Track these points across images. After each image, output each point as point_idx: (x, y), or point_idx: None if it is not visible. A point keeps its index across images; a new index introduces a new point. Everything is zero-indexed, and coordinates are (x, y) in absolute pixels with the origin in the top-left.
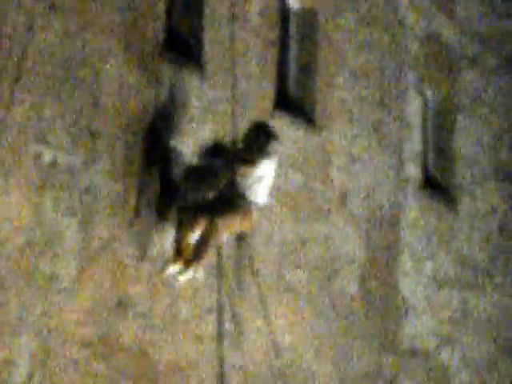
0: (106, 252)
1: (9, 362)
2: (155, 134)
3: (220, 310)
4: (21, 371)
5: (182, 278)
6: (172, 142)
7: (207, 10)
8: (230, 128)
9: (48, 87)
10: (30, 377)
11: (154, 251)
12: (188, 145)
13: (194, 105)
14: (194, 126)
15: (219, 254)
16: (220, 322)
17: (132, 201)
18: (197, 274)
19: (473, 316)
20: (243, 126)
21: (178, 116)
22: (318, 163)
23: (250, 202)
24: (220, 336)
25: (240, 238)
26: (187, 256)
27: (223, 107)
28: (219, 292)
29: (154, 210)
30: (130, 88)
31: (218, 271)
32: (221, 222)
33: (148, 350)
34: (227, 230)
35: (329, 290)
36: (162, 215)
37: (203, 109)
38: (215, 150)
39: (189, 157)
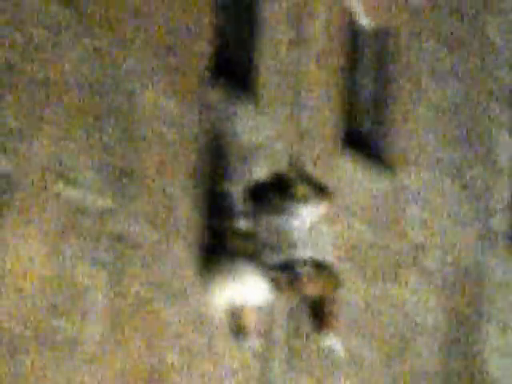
0: (141, 312)
1: None
2: (201, 174)
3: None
4: None
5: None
6: (222, 185)
7: (264, 31)
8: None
9: (74, 117)
10: None
11: (196, 312)
12: (240, 189)
13: (248, 141)
14: (248, 166)
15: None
16: None
17: (169, 251)
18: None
19: None
20: (305, 167)
21: (229, 154)
22: (390, 212)
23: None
24: None
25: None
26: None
27: (282, 145)
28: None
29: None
30: (171, 120)
31: (269, 339)
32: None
33: None
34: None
35: (401, 365)
36: (213, 271)
37: (258, 146)
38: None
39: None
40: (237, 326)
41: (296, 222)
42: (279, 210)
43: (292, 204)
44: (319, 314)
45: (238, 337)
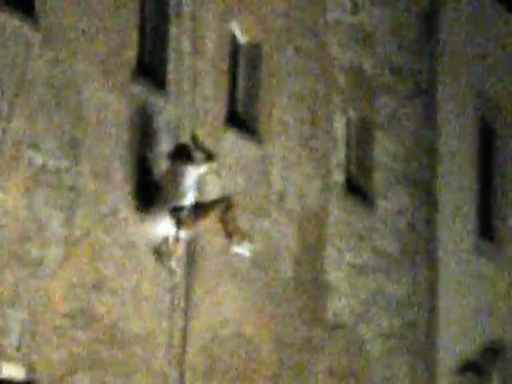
0: (86, 240)
1: (3, 330)
2: (129, 143)
3: (175, 290)
4: (13, 338)
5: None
6: (146, 152)
7: (172, 44)
8: (187, 140)
9: (41, 104)
10: (21, 342)
11: (126, 239)
12: (155, 151)
13: (161, 122)
14: (160, 137)
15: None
16: (175, 300)
17: (108, 198)
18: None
19: (385, 297)
20: (200, 137)
21: (147, 128)
22: (261, 170)
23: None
24: (175, 311)
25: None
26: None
27: (183, 123)
28: (177, 275)
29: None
30: (107, 105)
31: (176, 258)
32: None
33: (118, 321)
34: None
35: (267, 274)
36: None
37: (167, 123)
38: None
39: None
40: (162, 251)
41: (189, 180)
42: (181, 170)
43: (189, 166)
44: (226, 231)
45: (161, 259)
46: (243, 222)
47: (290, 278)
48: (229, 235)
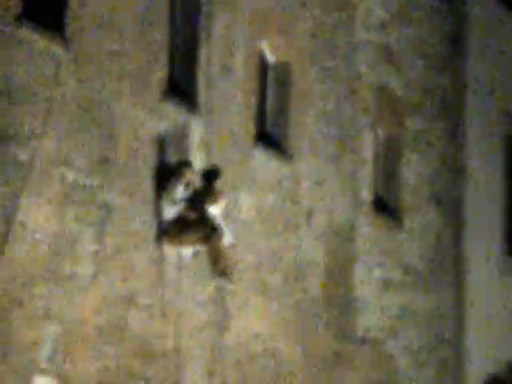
0: (117, 256)
1: (36, 344)
2: (161, 160)
3: (214, 304)
4: (46, 351)
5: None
6: (175, 167)
7: (202, 63)
8: (218, 158)
9: (72, 122)
10: (53, 357)
11: (157, 255)
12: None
13: (191, 138)
14: (191, 155)
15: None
16: (212, 313)
17: (138, 214)
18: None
19: (413, 312)
20: (230, 157)
21: (178, 146)
22: (289, 187)
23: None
24: (212, 325)
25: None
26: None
27: (213, 140)
28: (210, 290)
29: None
30: (138, 124)
31: (210, 274)
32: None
33: (150, 336)
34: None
35: (296, 290)
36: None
37: (197, 141)
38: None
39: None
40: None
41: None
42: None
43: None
44: (211, 258)
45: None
46: (273, 238)
47: (318, 294)
48: (214, 262)
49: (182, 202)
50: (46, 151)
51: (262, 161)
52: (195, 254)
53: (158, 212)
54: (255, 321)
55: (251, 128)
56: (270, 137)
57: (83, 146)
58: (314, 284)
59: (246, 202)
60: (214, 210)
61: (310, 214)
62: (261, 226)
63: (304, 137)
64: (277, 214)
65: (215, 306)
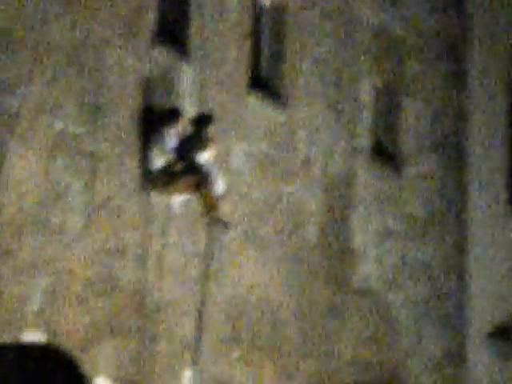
0: (108, 206)
1: (24, 297)
2: (150, 108)
3: (205, 256)
4: (34, 305)
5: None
6: (165, 114)
7: (194, 6)
8: (211, 104)
9: (59, 68)
10: (42, 310)
11: (148, 205)
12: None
13: (182, 84)
14: (182, 101)
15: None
16: (199, 266)
17: (128, 163)
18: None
19: (413, 262)
20: (223, 103)
21: (169, 93)
22: (285, 134)
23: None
24: (204, 277)
25: (219, 197)
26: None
27: (205, 86)
28: (202, 241)
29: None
30: (128, 70)
31: (202, 224)
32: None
33: (141, 288)
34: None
35: (292, 240)
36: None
37: (188, 87)
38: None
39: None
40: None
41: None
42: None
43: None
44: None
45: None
46: (267, 187)
47: (315, 244)
48: (207, 211)
49: (173, 152)
50: (33, 99)
51: (256, 107)
52: (185, 203)
53: (145, 161)
54: (249, 272)
55: (245, 73)
56: (264, 82)
57: (71, 92)
58: (311, 234)
59: (239, 149)
60: (205, 157)
61: (306, 162)
62: (254, 174)
63: (300, 82)
64: (271, 163)
65: (207, 256)
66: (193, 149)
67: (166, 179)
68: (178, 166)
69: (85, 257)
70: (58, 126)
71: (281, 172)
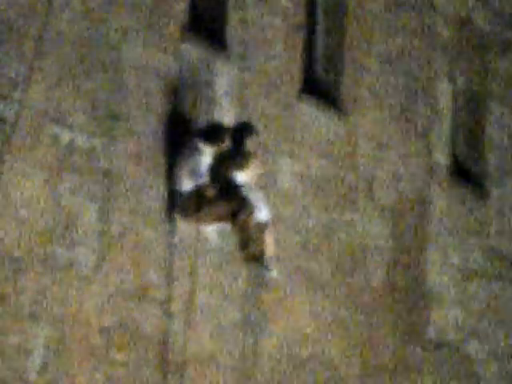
0: (126, 238)
1: (23, 349)
2: (179, 116)
3: (245, 298)
4: (35, 359)
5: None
6: (196, 125)
7: None
8: (254, 112)
9: (66, 67)
10: (45, 364)
11: (175, 236)
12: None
13: (218, 87)
14: (218, 108)
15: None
16: (244, 311)
17: (152, 184)
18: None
19: (500, 308)
20: (268, 110)
21: (202, 98)
22: (345, 149)
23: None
24: (244, 325)
25: (263, 226)
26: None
27: (246, 90)
28: (242, 280)
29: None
30: (151, 69)
31: (240, 260)
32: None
33: (168, 338)
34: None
35: (353, 280)
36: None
37: (227, 92)
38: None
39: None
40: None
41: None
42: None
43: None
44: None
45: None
46: (322, 214)
47: (381, 285)
48: (244, 245)
49: (206, 174)
50: (35, 105)
51: (309, 116)
52: (220, 233)
53: (172, 182)
54: (299, 320)
55: (296, 74)
56: (319, 85)
57: (82, 97)
58: (376, 273)
59: (288, 168)
60: (244, 178)
61: (370, 184)
62: (307, 199)
63: (363, 85)
64: (328, 184)
65: (248, 301)
66: (230, 167)
67: (196, 204)
68: (212, 189)
69: (98, 301)
70: (65, 137)
71: (339, 196)
